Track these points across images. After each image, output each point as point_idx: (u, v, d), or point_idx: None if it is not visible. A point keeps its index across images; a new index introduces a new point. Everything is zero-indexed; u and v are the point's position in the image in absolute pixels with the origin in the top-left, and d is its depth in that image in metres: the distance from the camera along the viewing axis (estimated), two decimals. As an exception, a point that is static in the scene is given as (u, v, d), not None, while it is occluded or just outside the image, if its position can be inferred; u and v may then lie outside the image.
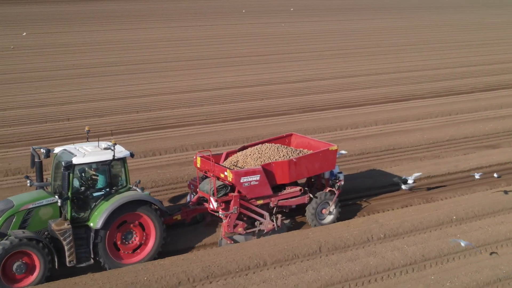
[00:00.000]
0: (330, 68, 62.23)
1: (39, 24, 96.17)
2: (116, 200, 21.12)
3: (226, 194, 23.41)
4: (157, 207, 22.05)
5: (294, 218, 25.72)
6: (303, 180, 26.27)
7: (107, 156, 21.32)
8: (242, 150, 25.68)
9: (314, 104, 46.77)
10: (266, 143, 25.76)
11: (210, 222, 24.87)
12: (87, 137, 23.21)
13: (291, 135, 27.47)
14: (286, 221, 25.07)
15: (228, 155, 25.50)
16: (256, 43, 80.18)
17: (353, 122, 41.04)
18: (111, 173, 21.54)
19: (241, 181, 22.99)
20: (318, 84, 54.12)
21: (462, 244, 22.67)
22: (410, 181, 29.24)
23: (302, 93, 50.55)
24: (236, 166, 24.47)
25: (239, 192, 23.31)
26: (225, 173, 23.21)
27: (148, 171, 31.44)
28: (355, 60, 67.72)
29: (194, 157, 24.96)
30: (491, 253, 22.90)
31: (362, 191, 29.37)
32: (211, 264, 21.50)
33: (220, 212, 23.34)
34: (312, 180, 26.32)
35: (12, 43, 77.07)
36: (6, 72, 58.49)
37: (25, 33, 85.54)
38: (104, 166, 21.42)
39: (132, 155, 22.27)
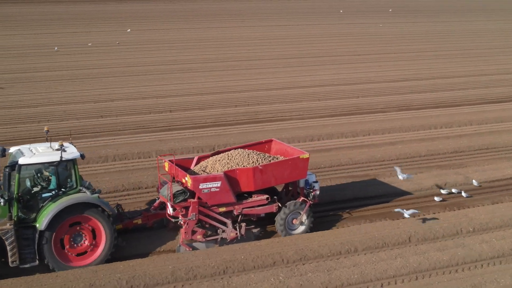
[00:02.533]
0: (428, 69, 62.23)
1: (142, 22, 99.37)
2: (61, 202, 20.76)
3: (185, 200, 22.67)
4: (106, 210, 21.53)
5: (264, 227, 24.97)
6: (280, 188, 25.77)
7: (55, 157, 20.95)
8: (215, 155, 24.92)
9: (411, 103, 47.17)
10: (239, 149, 24.82)
11: (174, 227, 24.15)
12: (46, 137, 22.41)
13: (271, 141, 26.42)
14: (255, 230, 24.36)
15: (200, 159, 24.76)
16: (354, 42, 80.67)
17: (449, 122, 41.29)
18: (59, 174, 21.16)
19: (200, 187, 22.24)
20: (415, 84, 54.37)
21: (406, 214, 24.79)
22: (475, 183, 29.67)
23: (399, 92, 51.01)
24: (204, 171, 23.72)
25: (199, 198, 22.61)
26: (186, 178, 22.60)
27: (246, 161, 32.82)
28: (453, 61, 67.40)
29: (163, 161, 24.59)
30: None
31: (453, 186, 29.82)
32: (304, 247, 22.64)
33: (180, 218, 22.87)
34: (290, 188, 25.48)
35: (118, 39, 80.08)
36: (113, 66, 61.30)
37: (129, 30, 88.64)
38: (52, 167, 21.12)
39: (82, 156, 21.81)
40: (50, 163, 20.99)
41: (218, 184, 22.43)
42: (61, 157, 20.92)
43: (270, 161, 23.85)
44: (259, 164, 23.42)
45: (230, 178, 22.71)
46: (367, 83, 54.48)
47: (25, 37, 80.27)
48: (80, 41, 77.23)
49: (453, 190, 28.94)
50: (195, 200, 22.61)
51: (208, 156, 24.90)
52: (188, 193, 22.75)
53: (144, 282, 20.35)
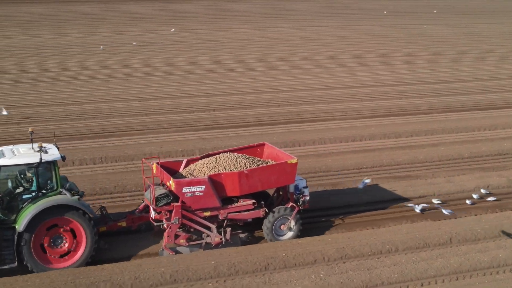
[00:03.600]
0: (471, 71, 61.76)
1: (186, 21, 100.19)
2: (40, 204, 20.73)
3: (168, 204, 22.36)
4: (87, 213, 21.40)
5: (252, 232, 24.65)
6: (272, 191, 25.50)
7: (34, 158, 20.90)
8: (205, 158, 24.57)
9: (454, 104, 46.94)
10: (228, 153, 24.49)
11: (159, 230, 23.70)
12: (31, 138, 22.20)
13: (263, 144, 26.01)
14: (242, 235, 24.12)
15: (189, 162, 24.44)
16: (397, 44, 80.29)
17: (492, 124, 41.01)
18: (39, 176, 21.11)
19: (183, 191, 21.98)
20: (459, 86, 54.01)
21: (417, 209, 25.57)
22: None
23: (442, 94, 50.75)
24: (191, 174, 23.42)
25: (182, 202, 22.35)
26: (170, 181, 22.40)
27: (288, 161, 33.12)
28: (496, 63, 66.76)
29: (151, 164, 24.30)
30: None
31: (497, 188, 29.75)
32: (345, 246, 22.86)
33: (163, 222, 22.63)
34: (280, 193, 25.07)
35: (162, 38, 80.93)
36: (157, 65, 62.06)
37: (173, 29, 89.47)
38: (32, 169, 21.09)
39: (63, 158, 21.68)
40: (30, 165, 21.02)
41: (202, 188, 22.12)
42: (41, 158, 20.89)
43: (258, 165, 23.48)
44: (247, 168, 23.11)
45: (215, 182, 22.38)
46: (410, 84, 54.31)
47: (72, 36, 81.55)
48: (125, 40, 78.29)
49: (475, 196, 28.70)
50: (179, 204, 22.31)
51: (197, 159, 24.56)
52: (172, 197, 22.42)
53: (187, 276, 20.77)
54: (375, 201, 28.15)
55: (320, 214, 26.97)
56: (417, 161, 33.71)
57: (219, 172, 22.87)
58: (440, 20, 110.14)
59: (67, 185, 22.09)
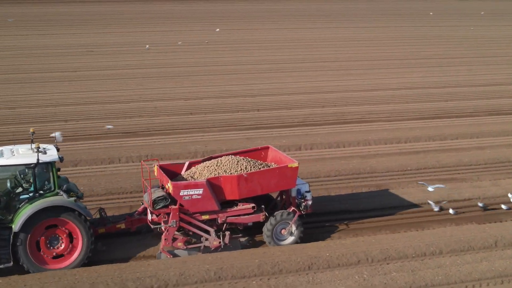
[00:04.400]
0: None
1: (231, 21, 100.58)
2: (36, 205, 20.80)
3: (166, 206, 22.22)
4: (83, 214, 21.33)
5: (253, 236, 24.30)
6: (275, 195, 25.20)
7: (31, 159, 20.97)
8: (207, 160, 24.32)
9: (501, 108, 46.40)
10: (230, 156, 24.16)
11: (158, 233, 23.51)
12: (32, 139, 22.29)
13: (267, 148, 25.66)
14: (243, 239, 23.84)
15: (191, 165, 24.24)
16: (443, 45, 79.55)
17: (542, 127, 40.54)
18: (36, 176, 21.15)
19: (180, 194, 21.80)
20: (506, 89, 53.25)
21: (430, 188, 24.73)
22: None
23: (489, 96, 50.21)
24: (192, 177, 23.23)
25: (180, 205, 22.17)
26: (168, 184, 22.27)
27: (332, 161, 33.24)
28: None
29: (148, 166, 23.98)
30: None
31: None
32: (389, 247, 22.85)
33: (161, 225, 22.48)
34: (283, 197, 24.66)
35: (207, 38, 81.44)
36: (202, 64, 62.48)
37: (218, 29, 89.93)
38: (29, 169, 21.17)
39: (61, 159, 21.69)
40: (27, 165, 21.07)
41: (200, 191, 21.90)
42: (38, 159, 20.95)
43: (260, 169, 23.25)
44: (248, 171, 22.87)
45: (213, 185, 22.16)
46: (456, 86, 53.82)
47: (118, 35, 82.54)
48: (171, 40, 78.95)
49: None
50: (176, 207, 22.16)
51: (199, 162, 24.34)
52: (170, 200, 22.30)
53: (231, 274, 20.98)
54: (419, 203, 28.01)
55: (363, 215, 27.00)
56: (462, 164, 33.45)
57: (219, 175, 22.67)
58: (487, 21, 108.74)
59: (64, 186, 21.91)
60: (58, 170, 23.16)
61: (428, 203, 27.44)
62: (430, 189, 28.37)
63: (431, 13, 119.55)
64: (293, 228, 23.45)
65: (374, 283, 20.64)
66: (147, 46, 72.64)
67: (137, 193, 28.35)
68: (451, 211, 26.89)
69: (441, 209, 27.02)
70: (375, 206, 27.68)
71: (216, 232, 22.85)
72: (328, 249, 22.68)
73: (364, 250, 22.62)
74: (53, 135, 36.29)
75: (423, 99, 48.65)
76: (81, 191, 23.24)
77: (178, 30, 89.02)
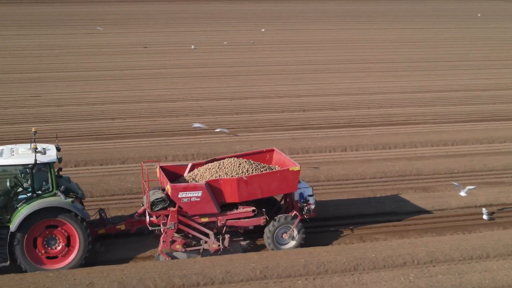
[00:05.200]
0: None
1: (276, 22, 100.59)
2: (32, 205, 20.85)
3: (164, 208, 22.09)
4: (79, 215, 21.30)
5: (255, 239, 24.10)
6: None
7: (29, 159, 21.01)
8: (209, 162, 24.14)
9: (551, 111, 45.81)
10: (233, 158, 23.93)
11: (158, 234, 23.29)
12: (34, 139, 22.22)
13: (272, 150, 25.38)
14: (244, 242, 23.52)
15: (194, 166, 24.08)
16: (490, 47, 78.54)
17: None
18: (33, 176, 21.16)
19: (179, 196, 21.69)
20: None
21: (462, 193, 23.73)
22: None
23: (539, 99, 49.56)
24: (194, 179, 23.11)
25: (179, 207, 22.05)
26: (167, 186, 22.20)
27: (378, 163, 33.17)
28: None
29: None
30: None
31: None
32: (436, 250, 22.73)
33: (160, 227, 22.41)
34: (287, 200, 24.41)
35: (252, 38, 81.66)
36: (247, 64, 62.76)
37: (263, 30, 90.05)
38: (27, 170, 21.17)
39: (59, 160, 21.80)
40: (24, 165, 21.12)
41: (199, 193, 21.77)
42: (36, 160, 20.98)
43: (261, 171, 23.01)
44: (249, 174, 22.65)
45: (213, 188, 22.02)
46: (504, 89, 53.13)
47: (165, 34, 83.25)
48: (216, 40, 79.34)
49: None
50: (175, 209, 22.03)
51: (202, 164, 24.21)
52: (168, 202, 22.16)
53: (276, 273, 21.08)
54: (466, 206, 27.82)
55: (409, 217, 26.91)
56: (510, 168, 33.07)
57: (219, 177, 22.52)
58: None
59: (62, 187, 21.71)
60: (60, 170, 23.66)
61: (482, 212, 27.08)
62: (462, 194, 27.95)
63: (479, 15, 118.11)
64: (295, 232, 23.18)
65: (420, 285, 20.56)
66: (193, 46, 73.12)
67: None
68: (493, 215, 26.68)
69: (491, 219, 26.66)
70: (421, 208, 27.56)
71: (216, 235, 22.66)
72: (374, 250, 22.66)
73: (410, 252, 22.54)
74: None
75: (470, 101, 48.18)
76: (81, 192, 23.22)
77: (224, 30, 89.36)
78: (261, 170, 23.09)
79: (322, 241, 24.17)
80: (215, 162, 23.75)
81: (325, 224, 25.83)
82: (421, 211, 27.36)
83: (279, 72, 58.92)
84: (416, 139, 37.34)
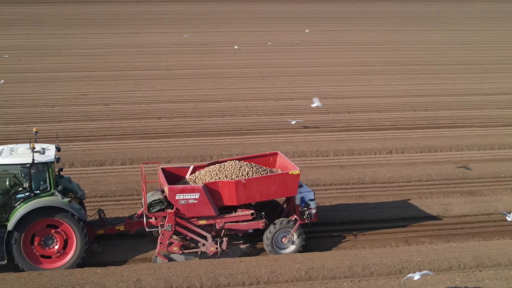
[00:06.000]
0: None
1: (321, 22, 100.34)
2: (29, 205, 20.97)
3: (162, 210, 22.04)
4: (76, 215, 21.28)
5: (255, 243, 23.78)
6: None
7: (26, 159, 21.12)
8: (211, 165, 24.03)
9: None
10: (234, 161, 23.77)
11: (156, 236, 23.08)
12: (35, 138, 22.58)
13: (276, 154, 25.16)
14: (244, 246, 23.18)
15: (196, 169, 24.05)
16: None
17: None
18: (31, 176, 21.28)
19: (176, 198, 21.66)
20: None
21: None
22: None
23: None
24: (194, 181, 23.01)
25: (176, 209, 21.97)
26: (165, 188, 22.24)
27: (424, 166, 32.96)
28: None
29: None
30: None
31: None
32: (482, 254, 22.58)
33: (158, 228, 22.30)
34: (290, 203, 24.15)
35: (296, 39, 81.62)
36: (291, 65, 62.76)
37: (307, 30, 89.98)
38: (25, 169, 21.24)
39: (57, 160, 21.87)
40: (22, 165, 21.20)
41: (196, 196, 21.71)
42: (33, 159, 21.08)
43: (262, 174, 22.89)
44: (249, 177, 22.51)
45: (211, 190, 21.96)
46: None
47: (210, 34, 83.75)
48: (260, 40, 79.52)
49: None
50: (172, 211, 21.98)
51: (204, 166, 24.12)
52: (166, 203, 22.12)
53: (322, 274, 21.15)
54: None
55: (455, 221, 26.80)
56: (559, 173, 32.65)
57: (219, 180, 22.46)
58: None
59: (59, 187, 21.79)
60: (61, 170, 23.91)
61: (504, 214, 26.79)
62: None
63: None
64: (295, 237, 22.93)
65: (466, 290, 20.49)
66: (236, 46, 73.42)
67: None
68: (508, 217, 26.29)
69: None
70: (467, 212, 27.37)
71: (215, 238, 22.57)
72: (420, 253, 22.59)
73: (456, 256, 22.44)
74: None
75: (519, 105, 47.59)
76: (81, 192, 23.38)
77: (268, 30, 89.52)
78: (262, 173, 23.02)
79: (366, 243, 24.19)
80: (216, 165, 23.75)
81: (370, 226, 25.80)
82: (467, 215, 27.18)
83: (323, 73, 58.81)
84: (462, 143, 37.01)
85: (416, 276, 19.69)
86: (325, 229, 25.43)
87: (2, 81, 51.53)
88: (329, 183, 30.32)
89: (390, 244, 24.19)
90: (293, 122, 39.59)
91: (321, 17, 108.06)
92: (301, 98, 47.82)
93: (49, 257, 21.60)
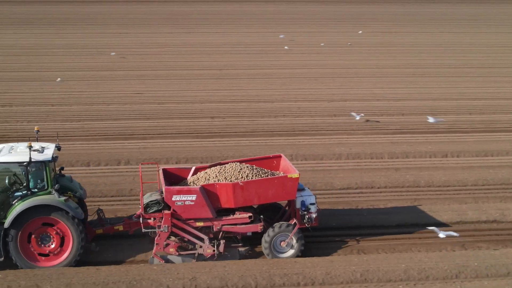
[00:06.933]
0: None
1: (374, 24, 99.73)
2: (25, 203, 21.08)
3: (159, 211, 22.00)
4: (72, 214, 21.30)
5: (254, 246, 23.50)
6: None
7: (23, 157, 21.24)
8: (213, 166, 23.80)
9: None
10: (236, 163, 23.49)
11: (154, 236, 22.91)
12: (36, 137, 22.88)
13: (279, 156, 24.90)
14: (242, 249, 22.87)
15: (197, 170, 23.91)
16: None
17: None
18: (28, 174, 21.38)
19: (172, 199, 21.55)
20: None
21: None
22: None
23: None
24: (194, 183, 22.87)
25: (173, 210, 21.87)
26: (163, 189, 22.15)
27: (480, 170, 32.43)
28: None
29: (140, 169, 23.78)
30: None
31: None
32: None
33: (156, 229, 22.21)
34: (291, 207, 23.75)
35: (349, 40, 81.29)
36: (345, 66, 62.57)
37: (361, 31, 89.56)
38: (22, 167, 21.42)
39: (55, 159, 21.85)
40: (20, 163, 21.37)
41: (193, 197, 21.58)
42: (30, 158, 21.18)
43: (261, 177, 22.60)
44: (248, 180, 22.28)
45: (208, 192, 21.82)
46: None
47: (261, 34, 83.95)
48: (313, 41, 79.42)
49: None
50: (168, 212, 21.91)
51: (206, 167, 23.94)
52: (163, 204, 22.06)
53: (377, 277, 21.01)
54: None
55: (491, 227, 26.28)
56: None
57: (218, 182, 22.28)
58: None
59: (56, 186, 21.77)
60: (62, 169, 24.12)
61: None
62: None
63: None
64: (293, 241, 22.62)
65: (525, 296, 20.15)
66: (286, 46, 73.35)
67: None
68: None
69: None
70: (513, 218, 26.90)
71: (212, 240, 22.40)
72: (477, 258, 22.27)
73: (515, 263, 22.10)
74: None
75: None
76: (82, 191, 23.37)
77: (321, 31, 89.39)
78: (262, 176, 22.74)
79: (422, 247, 23.95)
80: (216, 167, 23.58)
81: (425, 230, 25.48)
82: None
83: (377, 74, 58.43)
84: (517, 149, 36.45)
85: (441, 234, 22.09)
86: (380, 232, 25.28)
87: (59, 79, 52.47)
88: (384, 185, 30.10)
89: (446, 248, 23.86)
90: (357, 118, 39.56)
91: (374, 19, 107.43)
92: (354, 100, 47.59)
93: (47, 255, 21.80)
